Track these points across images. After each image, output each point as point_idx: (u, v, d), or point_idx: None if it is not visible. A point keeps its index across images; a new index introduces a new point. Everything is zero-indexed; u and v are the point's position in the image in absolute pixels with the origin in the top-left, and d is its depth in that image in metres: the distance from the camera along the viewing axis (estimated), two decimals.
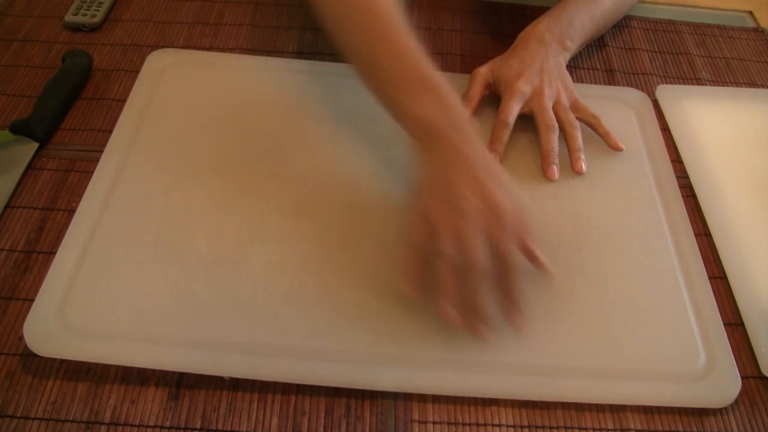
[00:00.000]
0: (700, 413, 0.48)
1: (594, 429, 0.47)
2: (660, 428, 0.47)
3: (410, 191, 0.48)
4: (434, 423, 0.46)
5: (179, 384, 0.46)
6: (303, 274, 0.51)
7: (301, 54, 0.72)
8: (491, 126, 0.63)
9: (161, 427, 0.44)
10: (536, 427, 0.46)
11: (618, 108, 0.68)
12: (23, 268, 0.52)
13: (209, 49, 0.71)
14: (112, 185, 0.56)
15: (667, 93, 0.71)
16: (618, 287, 0.53)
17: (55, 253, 0.51)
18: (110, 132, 0.60)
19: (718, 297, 0.53)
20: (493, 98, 0.66)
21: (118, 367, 0.47)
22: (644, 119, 0.67)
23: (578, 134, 0.62)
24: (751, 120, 0.69)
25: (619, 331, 0.50)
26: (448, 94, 0.49)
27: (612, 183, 0.61)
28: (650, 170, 0.62)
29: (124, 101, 0.63)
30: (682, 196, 0.60)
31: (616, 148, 0.63)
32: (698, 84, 0.74)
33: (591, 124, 0.64)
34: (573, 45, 0.68)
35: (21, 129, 0.60)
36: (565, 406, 0.47)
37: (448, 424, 0.46)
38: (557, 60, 0.65)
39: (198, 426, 0.45)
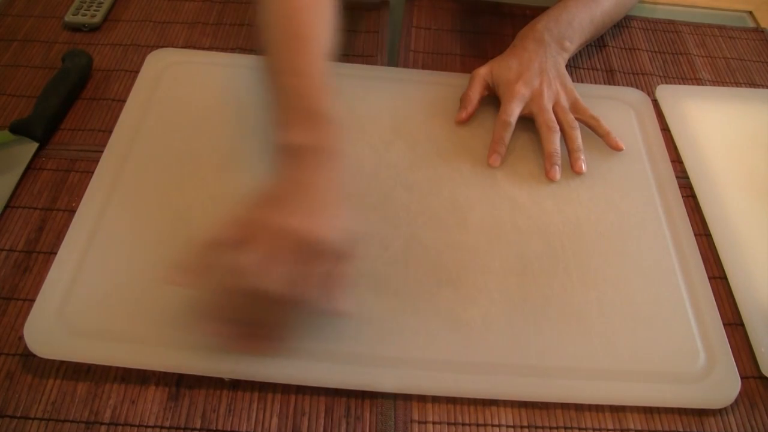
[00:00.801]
0: (700, 413, 0.48)
1: (594, 429, 0.47)
2: (660, 428, 0.47)
3: (251, 193, 0.46)
4: (434, 423, 0.46)
5: (179, 384, 0.46)
6: None
7: None
8: (492, 127, 0.63)
9: (161, 427, 0.44)
10: (536, 427, 0.46)
11: (618, 108, 0.68)
12: (23, 268, 0.52)
13: (209, 49, 0.71)
14: (112, 185, 0.56)
15: (667, 93, 0.71)
16: (618, 287, 0.53)
17: (55, 253, 0.51)
18: (110, 132, 0.60)
19: (718, 297, 0.53)
20: (492, 99, 0.66)
21: (118, 367, 0.47)
22: (644, 119, 0.67)
23: (578, 135, 0.62)
24: (751, 120, 0.69)
25: (618, 332, 0.50)
26: (325, 126, 0.47)
27: (612, 183, 0.61)
28: (650, 170, 0.62)
29: (124, 101, 0.63)
30: (682, 196, 0.60)
31: (617, 148, 0.63)
32: (698, 84, 0.74)
33: (590, 125, 0.64)
34: (572, 45, 0.68)
35: (21, 129, 0.60)
36: (565, 406, 0.47)
37: (448, 424, 0.46)
38: (556, 60, 0.65)
39: (198, 426, 0.45)
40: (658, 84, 0.72)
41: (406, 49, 0.74)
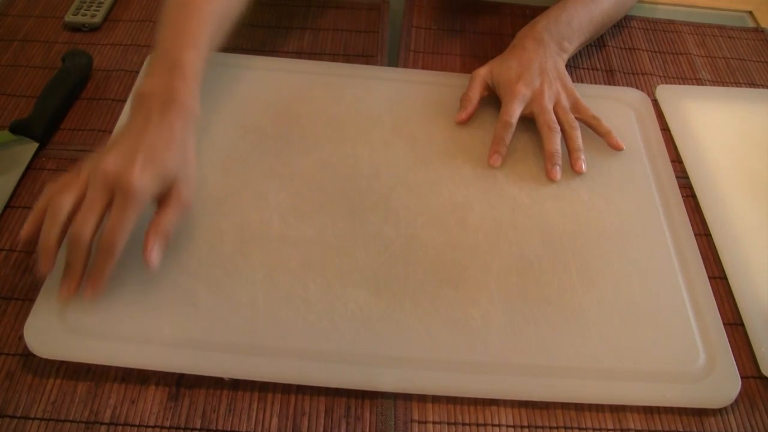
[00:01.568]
0: (700, 413, 0.48)
1: (594, 429, 0.47)
2: (660, 428, 0.47)
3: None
4: (434, 423, 0.46)
5: (179, 384, 0.46)
6: (303, 275, 0.51)
7: (301, 54, 0.72)
8: (492, 127, 0.63)
9: (161, 427, 0.44)
10: (536, 427, 0.46)
11: (618, 108, 0.68)
12: (23, 268, 0.52)
13: None
14: None
15: (667, 93, 0.71)
16: (618, 287, 0.53)
17: None
18: (110, 132, 0.60)
19: (718, 297, 0.53)
20: (492, 99, 0.66)
21: (118, 367, 0.47)
22: (644, 119, 0.67)
23: (578, 135, 0.62)
24: (751, 120, 0.69)
25: (618, 331, 0.50)
26: (179, 79, 0.51)
27: (612, 183, 0.61)
28: (650, 170, 0.62)
29: (124, 101, 0.63)
30: (682, 196, 0.60)
31: (617, 147, 0.63)
32: (698, 84, 0.74)
33: (591, 125, 0.64)
34: (571, 46, 0.68)
35: (21, 129, 0.60)
36: (565, 406, 0.47)
37: (448, 424, 0.46)
38: (556, 61, 0.65)
39: (198, 426, 0.45)
40: (658, 84, 0.72)
41: (406, 49, 0.74)
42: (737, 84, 0.74)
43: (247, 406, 0.46)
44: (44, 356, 0.46)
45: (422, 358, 0.48)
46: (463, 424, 0.46)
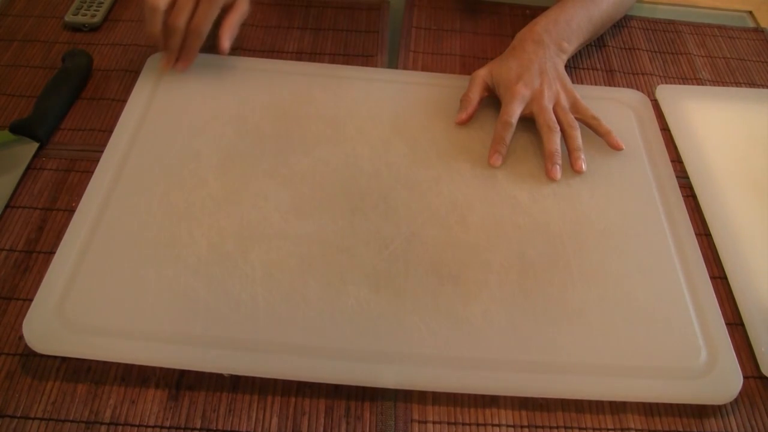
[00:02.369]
0: (700, 413, 0.48)
1: (594, 429, 0.47)
2: (660, 428, 0.47)
3: None
4: (434, 423, 0.46)
5: (179, 384, 0.46)
6: (303, 272, 0.51)
7: (301, 54, 0.72)
8: (491, 128, 0.63)
9: (161, 427, 0.44)
10: (536, 427, 0.46)
11: (618, 108, 0.68)
12: (23, 268, 0.52)
13: (209, 49, 0.71)
14: (112, 185, 0.56)
15: (667, 93, 0.71)
16: (618, 285, 0.53)
17: (55, 252, 0.51)
18: (110, 132, 0.60)
19: (718, 297, 0.53)
20: (492, 100, 0.66)
21: (118, 367, 0.47)
22: (644, 119, 0.67)
23: (578, 134, 0.62)
24: (751, 120, 0.69)
25: (619, 328, 0.50)
26: None
27: (612, 183, 0.61)
28: (650, 170, 0.62)
29: (124, 101, 0.63)
30: (682, 196, 0.60)
31: (617, 147, 0.63)
32: (698, 84, 0.74)
33: (591, 125, 0.64)
34: (571, 46, 0.68)
35: (21, 129, 0.60)
36: (566, 406, 0.47)
37: (448, 424, 0.46)
38: (555, 61, 0.65)
39: (198, 426, 0.45)
40: (658, 84, 0.72)
41: (406, 49, 0.74)
42: (737, 84, 0.74)
43: (247, 406, 0.46)
44: (43, 352, 0.46)
45: (423, 355, 0.48)
46: (463, 424, 0.46)
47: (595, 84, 0.72)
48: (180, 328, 0.47)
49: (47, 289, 0.48)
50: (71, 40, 0.72)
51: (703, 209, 0.60)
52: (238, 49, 0.72)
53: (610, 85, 0.72)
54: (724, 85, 0.74)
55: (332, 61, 0.71)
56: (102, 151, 0.58)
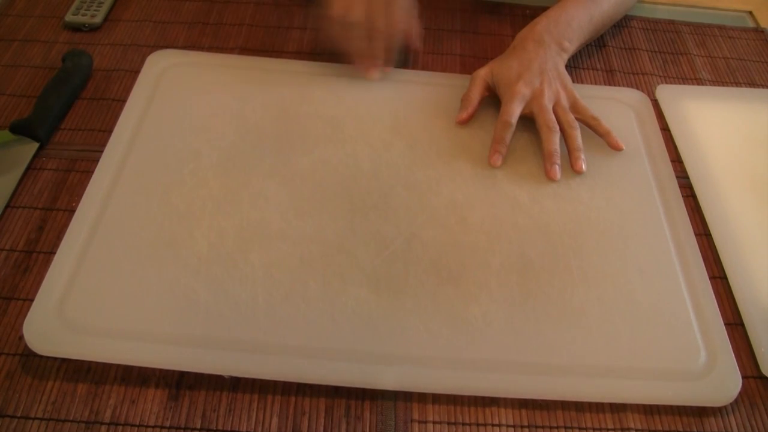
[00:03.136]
0: (701, 414, 0.48)
1: (594, 429, 0.47)
2: (660, 428, 0.47)
3: None
4: (434, 423, 0.46)
5: (179, 384, 0.46)
6: (303, 273, 0.51)
7: (301, 54, 0.72)
8: (492, 128, 0.63)
9: (161, 427, 0.44)
10: (536, 427, 0.46)
11: (618, 108, 0.68)
12: (23, 268, 0.52)
13: (209, 49, 0.71)
14: (112, 185, 0.56)
15: (667, 93, 0.71)
16: (618, 286, 0.53)
17: (55, 253, 0.51)
18: (110, 132, 0.60)
19: (718, 297, 0.53)
20: (493, 100, 0.66)
21: (118, 367, 0.47)
22: (644, 119, 0.67)
23: (577, 134, 0.62)
24: (751, 120, 0.69)
25: (619, 329, 0.50)
26: None
27: (612, 183, 0.61)
28: (650, 170, 0.62)
29: (124, 101, 0.63)
30: (682, 196, 0.60)
31: (617, 148, 0.63)
32: (698, 84, 0.74)
33: (591, 125, 0.64)
34: (571, 46, 0.68)
35: (21, 129, 0.60)
36: (566, 406, 0.47)
37: (448, 424, 0.46)
38: (556, 61, 0.65)
39: (198, 426, 0.45)
40: (658, 84, 0.72)
41: (406, 49, 0.74)
42: (737, 84, 0.74)
43: (247, 406, 0.46)
44: (43, 353, 0.46)
45: (423, 356, 0.48)
46: (463, 424, 0.46)
47: (595, 84, 0.72)
48: (180, 329, 0.47)
49: (47, 289, 0.48)
50: (71, 40, 0.72)
51: (703, 209, 0.60)
52: (237, 49, 0.72)
53: (610, 85, 0.72)
54: (724, 85, 0.74)
55: (332, 61, 0.71)
56: (102, 151, 0.58)
